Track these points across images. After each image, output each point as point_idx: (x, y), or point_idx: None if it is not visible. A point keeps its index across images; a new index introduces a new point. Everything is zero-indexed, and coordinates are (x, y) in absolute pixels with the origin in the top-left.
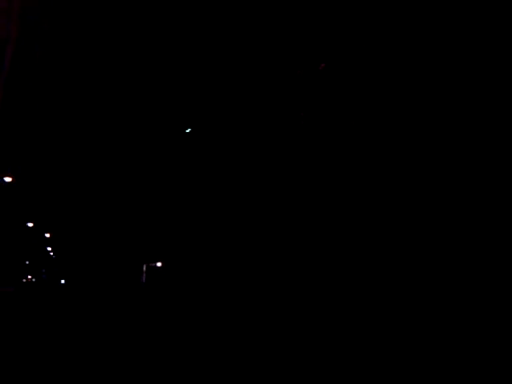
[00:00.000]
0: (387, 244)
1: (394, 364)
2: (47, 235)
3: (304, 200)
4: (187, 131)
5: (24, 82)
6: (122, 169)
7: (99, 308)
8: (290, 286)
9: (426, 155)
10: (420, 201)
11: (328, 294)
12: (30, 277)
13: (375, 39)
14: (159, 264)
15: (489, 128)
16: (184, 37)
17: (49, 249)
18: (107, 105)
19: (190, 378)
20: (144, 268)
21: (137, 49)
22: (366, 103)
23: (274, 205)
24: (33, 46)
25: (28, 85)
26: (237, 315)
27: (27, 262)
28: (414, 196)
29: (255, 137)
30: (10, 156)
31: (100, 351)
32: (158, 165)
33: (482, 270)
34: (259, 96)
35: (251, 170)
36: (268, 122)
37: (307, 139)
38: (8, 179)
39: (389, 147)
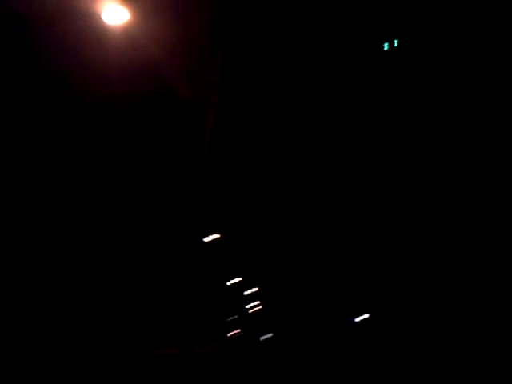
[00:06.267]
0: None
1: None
2: (253, 290)
3: None
4: None
5: (226, 145)
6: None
7: (309, 359)
8: None
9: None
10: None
11: None
12: (233, 332)
13: None
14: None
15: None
16: None
17: (256, 303)
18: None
19: None
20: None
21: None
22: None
23: None
24: (233, 111)
25: (229, 147)
26: None
27: (231, 318)
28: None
29: None
30: (217, 214)
31: None
32: None
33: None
34: None
35: None
36: None
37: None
38: (214, 236)
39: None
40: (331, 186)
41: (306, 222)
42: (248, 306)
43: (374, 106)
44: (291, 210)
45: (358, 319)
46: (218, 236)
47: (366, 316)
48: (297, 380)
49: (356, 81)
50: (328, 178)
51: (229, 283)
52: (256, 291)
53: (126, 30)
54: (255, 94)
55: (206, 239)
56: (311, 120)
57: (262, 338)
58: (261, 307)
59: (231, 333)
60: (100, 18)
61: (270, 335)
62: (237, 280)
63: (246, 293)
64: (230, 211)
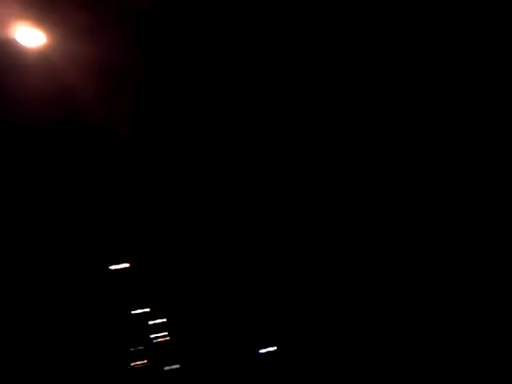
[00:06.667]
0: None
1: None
2: (161, 320)
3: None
4: None
5: (138, 173)
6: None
7: None
8: None
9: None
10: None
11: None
12: (138, 363)
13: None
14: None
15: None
16: None
17: (162, 334)
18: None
19: None
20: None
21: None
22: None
23: None
24: (146, 141)
25: (141, 175)
26: None
27: (136, 348)
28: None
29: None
30: (127, 242)
31: None
32: None
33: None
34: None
35: None
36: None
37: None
38: (125, 265)
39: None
40: (241, 219)
41: (215, 255)
42: (154, 336)
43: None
44: (201, 242)
45: (263, 351)
46: (125, 265)
47: (273, 348)
48: None
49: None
50: (238, 213)
51: (135, 313)
52: (163, 322)
53: (41, 53)
54: (169, 124)
55: (113, 267)
56: (228, 152)
57: (167, 369)
58: (168, 338)
59: (136, 363)
60: (14, 41)
61: (177, 366)
62: (144, 310)
63: (152, 323)
64: (140, 240)
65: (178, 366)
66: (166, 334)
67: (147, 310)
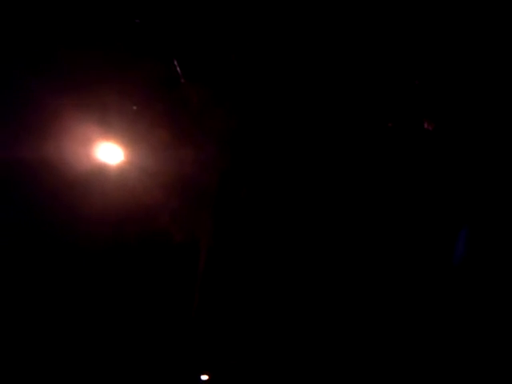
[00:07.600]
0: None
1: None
2: None
3: None
4: None
5: (217, 287)
6: None
7: None
8: None
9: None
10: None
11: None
12: None
13: None
14: None
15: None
16: None
17: None
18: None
19: None
20: None
21: None
22: None
23: None
24: (225, 255)
25: (221, 289)
26: None
27: None
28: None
29: None
30: (207, 353)
31: None
32: None
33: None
34: None
35: None
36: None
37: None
38: (205, 377)
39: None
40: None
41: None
42: None
43: None
44: (288, 357)
45: None
46: (207, 377)
47: None
48: None
49: None
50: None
51: None
52: None
53: (120, 169)
54: (250, 239)
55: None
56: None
57: None
58: None
59: None
60: (94, 157)
61: None
62: None
63: None
64: (221, 352)
65: None
66: None
67: None
